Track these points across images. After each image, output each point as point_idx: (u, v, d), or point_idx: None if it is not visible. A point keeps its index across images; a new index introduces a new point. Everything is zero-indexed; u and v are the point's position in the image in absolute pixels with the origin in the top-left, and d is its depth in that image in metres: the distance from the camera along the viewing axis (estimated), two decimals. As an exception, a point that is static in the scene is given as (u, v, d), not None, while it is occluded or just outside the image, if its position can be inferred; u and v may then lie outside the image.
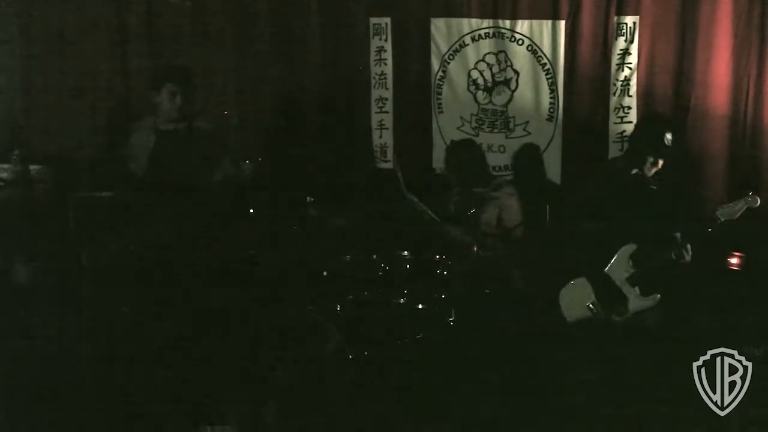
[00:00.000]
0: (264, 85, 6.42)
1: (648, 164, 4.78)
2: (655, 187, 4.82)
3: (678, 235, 4.60)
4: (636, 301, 4.68)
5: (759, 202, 4.49)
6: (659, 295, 4.66)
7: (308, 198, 5.19)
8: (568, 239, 5.15)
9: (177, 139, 5.02)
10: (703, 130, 5.80)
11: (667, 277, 4.67)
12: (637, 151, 4.89)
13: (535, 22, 6.06)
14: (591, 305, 4.74)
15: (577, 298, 4.83)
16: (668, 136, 4.77)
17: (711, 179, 5.81)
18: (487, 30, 6.16)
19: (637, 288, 4.68)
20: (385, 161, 6.43)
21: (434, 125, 6.36)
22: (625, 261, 4.72)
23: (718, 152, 5.78)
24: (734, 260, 5.36)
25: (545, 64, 6.08)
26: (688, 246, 4.56)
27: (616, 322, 4.68)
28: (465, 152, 5.68)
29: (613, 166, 5.17)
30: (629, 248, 4.73)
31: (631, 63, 5.91)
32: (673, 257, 4.57)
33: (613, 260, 4.75)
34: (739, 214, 4.48)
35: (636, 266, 4.69)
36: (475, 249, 5.05)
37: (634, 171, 4.85)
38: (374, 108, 6.43)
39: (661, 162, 4.78)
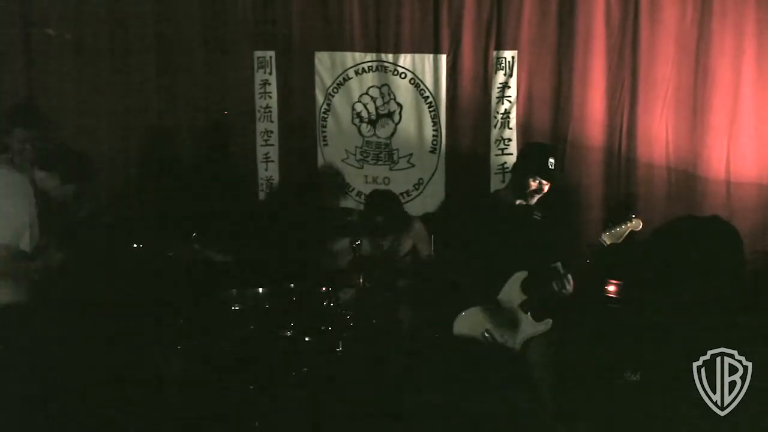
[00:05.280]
0: (147, 118, 6.36)
1: (530, 188, 4.84)
2: (538, 217, 4.91)
3: (559, 265, 4.65)
4: (529, 327, 4.74)
5: (641, 225, 4.56)
6: (551, 320, 4.73)
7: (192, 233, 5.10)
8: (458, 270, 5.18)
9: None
10: (580, 162, 5.98)
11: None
12: (519, 175, 4.94)
13: (417, 55, 6.16)
14: (486, 333, 4.67)
15: (471, 327, 4.82)
16: (550, 159, 4.84)
17: (588, 210, 5.98)
18: (370, 63, 6.23)
19: (529, 314, 4.73)
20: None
21: (319, 158, 6.38)
22: (517, 288, 4.78)
23: (594, 183, 5.96)
24: (611, 288, 5.54)
25: (428, 97, 6.18)
26: (569, 276, 4.59)
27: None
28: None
29: (497, 198, 5.17)
30: (520, 275, 4.79)
31: (510, 96, 6.05)
32: (555, 288, 4.60)
33: (504, 287, 4.81)
34: (623, 238, 4.56)
35: (527, 293, 4.75)
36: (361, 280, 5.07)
37: (518, 201, 4.93)
38: (259, 141, 6.40)
39: (544, 184, 4.83)
